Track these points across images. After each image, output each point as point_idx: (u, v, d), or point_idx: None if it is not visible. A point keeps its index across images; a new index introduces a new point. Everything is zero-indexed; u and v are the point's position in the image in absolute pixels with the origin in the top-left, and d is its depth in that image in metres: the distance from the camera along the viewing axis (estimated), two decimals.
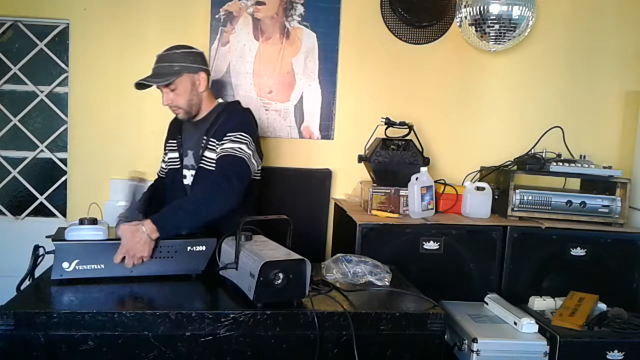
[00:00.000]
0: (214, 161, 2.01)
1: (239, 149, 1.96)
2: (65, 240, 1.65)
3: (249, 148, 1.99)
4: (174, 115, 2.14)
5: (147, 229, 1.69)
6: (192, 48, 2.06)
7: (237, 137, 1.98)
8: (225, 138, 1.99)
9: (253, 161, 2.01)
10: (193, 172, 2.08)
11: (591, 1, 2.90)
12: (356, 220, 2.31)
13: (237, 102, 2.21)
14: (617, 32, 2.92)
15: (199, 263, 1.77)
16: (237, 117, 2.08)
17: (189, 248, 1.76)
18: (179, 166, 2.13)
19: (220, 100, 2.16)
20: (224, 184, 1.86)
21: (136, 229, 1.69)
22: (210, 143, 2.04)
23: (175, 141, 2.17)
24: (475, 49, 2.77)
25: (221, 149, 1.97)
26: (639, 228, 2.56)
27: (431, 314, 1.60)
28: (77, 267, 1.65)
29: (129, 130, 2.67)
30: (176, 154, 2.15)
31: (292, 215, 1.74)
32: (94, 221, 1.72)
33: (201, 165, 2.05)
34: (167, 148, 2.23)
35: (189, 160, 2.11)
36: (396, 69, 2.84)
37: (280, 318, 1.52)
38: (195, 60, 2.04)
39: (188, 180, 2.10)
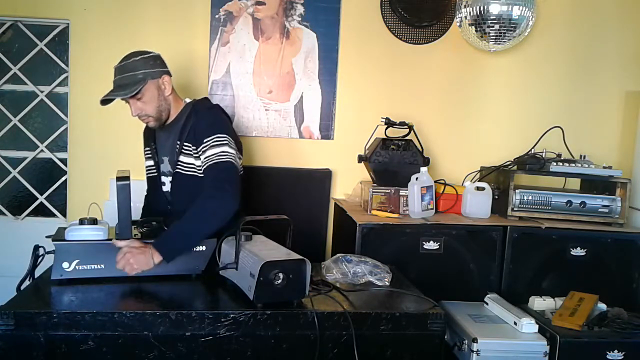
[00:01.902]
0: (192, 166, 1.98)
1: (222, 153, 1.89)
2: (65, 240, 1.66)
3: (230, 147, 1.93)
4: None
5: (152, 254, 1.68)
6: (149, 52, 1.98)
7: (217, 141, 1.91)
8: (204, 144, 1.92)
9: (238, 160, 1.97)
10: (171, 178, 2.05)
11: (591, 1, 2.90)
12: (356, 220, 2.31)
13: (205, 100, 2.15)
14: (617, 32, 2.92)
15: (199, 263, 1.77)
16: (208, 118, 1.99)
17: None
18: (155, 174, 2.11)
19: (187, 99, 2.10)
20: (218, 194, 1.81)
21: (146, 249, 1.68)
22: (184, 147, 1.98)
23: (149, 149, 2.14)
24: (475, 49, 2.77)
25: (205, 158, 1.90)
26: (639, 228, 2.56)
27: (431, 314, 1.60)
28: (77, 267, 1.65)
29: (129, 130, 2.66)
30: (151, 162, 2.13)
31: (292, 215, 1.74)
32: (94, 221, 1.72)
33: (177, 170, 2.01)
34: (145, 156, 2.19)
35: (166, 166, 2.07)
36: (396, 69, 2.84)
37: (280, 318, 1.52)
38: (155, 64, 1.97)
39: (167, 187, 2.07)
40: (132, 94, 1.92)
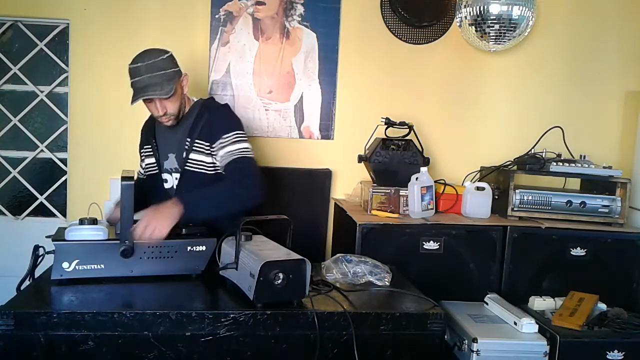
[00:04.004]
0: (203, 163, 2.01)
1: (244, 149, 1.97)
2: (65, 240, 1.65)
3: (249, 144, 2.00)
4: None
5: (171, 204, 1.75)
6: (167, 51, 1.99)
7: (236, 137, 1.98)
8: (223, 140, 1.97)
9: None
10: (177, 175, 2.05)
11: (591, 1, 2.90)
12: (356, 220, 2.31)
13: (213, 99, 2.18)
14: (617, 32, 2.92)
15: (199, 263, 1.77)
16: (223, 116, 2.06)
17: (189, 248, 1.75)
18: (156, 171, 2.10)
19: (194, 98, 2.13)
20: (246, 180, 1.90)
21: (165, 207, 1.75)
22: (196, 145, 2.01)
23: (149, 146, 2.12)
24: (475, 49, 2.77)
25: (226, 153, 1.96)
26: (639, 228, 2.56)
27: (431, 314, 1.60)
28: (77, 267, 1.65)
29: (129, 130, 2.67)
30: (152, 159, 2.11)
31: (292, 215, 1.74)
32: (94, 221, 1.72)
33: (187, 168, 2.02)
34: (143, 154, 2.18)
35: (171, 163, 2.07)
36: (396, 69, 2.84)
37: (280, 318, 1.52)
38: (176, 63, 2.00)
39: (169, 184, 2.08)
40: (171, 94, 1.92)
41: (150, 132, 2.14)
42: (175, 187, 2.07)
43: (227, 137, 1.97)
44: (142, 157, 2.19)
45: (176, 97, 1.96)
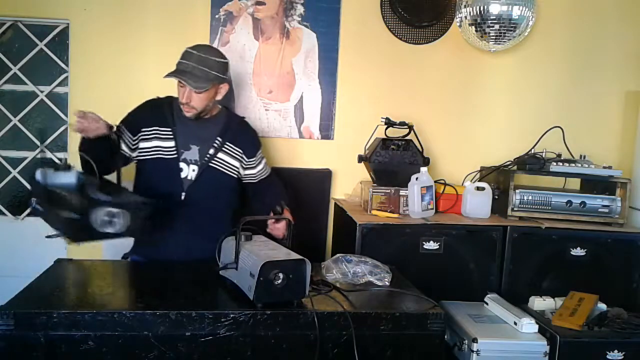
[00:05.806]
0: (232, 166, 2.16)
1: (266, 166, 2.35)
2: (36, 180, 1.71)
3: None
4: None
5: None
6: (225, 58, 2.09)
7: (262, 156, 2.30)
8: (258, 157, 2.27)
9: None
10: (194, 167, 2.10)
11: (591, 1, 2.90)
12: (356, 220, 2.31)
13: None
14: (617, 32, 2.92)
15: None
16: (254, 133, 2.31)
17: None
18: (174, 156, 2.09)
19: (219, 105, 2.22)
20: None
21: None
22: (227, 147, 2.15)
23: (169, 130, 2.11)
24: (475, 49, 2.77)
25: (262, 168, 2.30)
26: (639, 228, 2.56)
27: (431, 314, 1.60)
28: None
29: None
30: (170, 143, 2.10)
31: (292, 215, 1.74)
32: (68, 167, 1.73)
33: (213, 165, 2.12)
34: (150, 134, 2.12)
35: (192, 155, 2.11)
36: (396, 69, 2.84)
37: (280, 318, 1.52)
38: (224, 71, 2.08)
39: (185, 174, 2.10)
40: (202, 91, 2.01)
41: (168, 117, 2.13)
42: (193, 179, 2.10)
43: (259, 156, 2.28)
44: (146, 137, 2.12)
45: (205, 96, 2.04)
